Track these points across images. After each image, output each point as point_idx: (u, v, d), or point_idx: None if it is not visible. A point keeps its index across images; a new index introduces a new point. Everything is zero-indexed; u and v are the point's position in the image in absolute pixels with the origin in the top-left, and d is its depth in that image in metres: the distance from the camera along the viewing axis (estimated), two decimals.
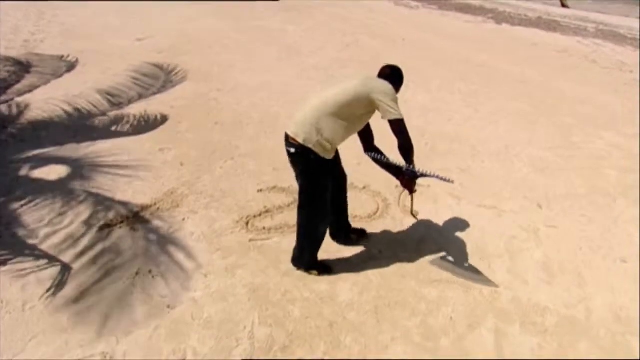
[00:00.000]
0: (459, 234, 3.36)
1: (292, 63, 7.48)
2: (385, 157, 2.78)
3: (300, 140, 2.48)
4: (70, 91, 5.76)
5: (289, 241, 3.16)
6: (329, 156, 2.57)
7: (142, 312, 2.54)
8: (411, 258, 3.08)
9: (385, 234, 3.32)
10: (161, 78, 6.39)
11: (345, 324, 2.52)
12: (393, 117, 2.48)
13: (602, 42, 10.38)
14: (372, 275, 2.90)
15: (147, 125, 4.90)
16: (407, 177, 2.67)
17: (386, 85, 2.55)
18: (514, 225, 3.50)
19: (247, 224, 3.33)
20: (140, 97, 5.71)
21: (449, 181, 2.68)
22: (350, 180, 3.97)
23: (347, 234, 3.16)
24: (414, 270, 2.97)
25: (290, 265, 2.90)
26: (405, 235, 3.31)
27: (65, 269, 2.82)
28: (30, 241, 3.05)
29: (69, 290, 2.67)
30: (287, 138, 2.57)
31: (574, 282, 2.94)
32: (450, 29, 10.90)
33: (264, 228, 3.29)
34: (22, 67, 6.55)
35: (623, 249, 3.29)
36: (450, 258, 3.03)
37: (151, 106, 5.41)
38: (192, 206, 3.52)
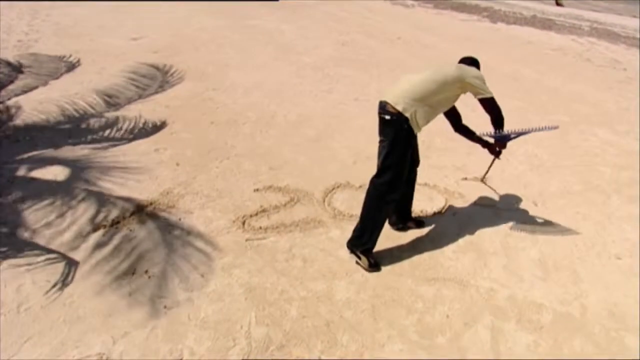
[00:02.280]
0: (454, 232, 3.37)
1: (287, 62, 7.47)
2: (474, 134, 3.24)
3: (399, 108, 2.74)
4: (65, 92, 5.72)
5: (286, 240, 3.16)
6: (417, 131, 2.86)
7: (139, 312, 2.54)
8: (407, 256, 3.09)
9: (382, 232, 3.32)
10: (158, 78, 6.36)
11: (342, 323, 2.53)
12: (487, 95, 2.85)
13: (597, 40, 10.45)
14: (368, 274, 2.90)
15: (142, 126, 4.88)
16: (499, 142, 3.12)
17: (476, 71, 2.93)
18: (510, 222, 3.52)
19: (243, 223, 3.33)
20: (138, 97, 5.68)
21: (547, 129, 3.20)
22: (347, 178, 4.00)
23: (406, 222, 3.36)
24: (410, 268, 2.98)
25: (287, 264, 2.91)
26: (401, 234, 3.32)
27: (71, 262, 2.80)
28: (26, 241, 3.04)
29: (65, 291, 2.66)
30: (385, 106, 2.81)
31: (569, 279, 2.96)
32: (446, 28, 10.92)
33: (260, 227, 3.29)
34: (16, 68, 6.50)
35: (617, 246, 3.32)
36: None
37: (147, 106, 5.39)
38: (188, 206, 3.51)
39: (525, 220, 3.56)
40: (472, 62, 3.08)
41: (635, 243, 3.35)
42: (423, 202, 3.71)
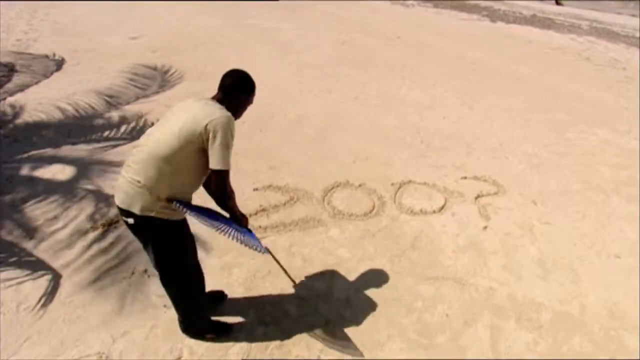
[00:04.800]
0: (454, 231, 3.37)
1: (287, 61, 7.46)
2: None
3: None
4: (64, 91, 5.71)
5: (285, 239, 3.16)
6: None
7: (138, 312, 2.54)
8: (407, 255, 3.09)
9: (381, 231, 3.33)
10: (157, 79, 6.35)
11: (341, 322, 2.53)
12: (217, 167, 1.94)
13: (596, 39, 10.45)
14: (367, 273, 2.90)
15: (142, 126, 4.87)
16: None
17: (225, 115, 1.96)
18: (509, 221, 3.52)
19: None
20: (137, 97, 5.67)
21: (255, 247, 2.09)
22: (346, 178, 4.00)
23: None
24: (410, 267, 2.98)
25: (287, 263, 2.90)
26: (401, 233, 3.32)
27: (56, 276, 2.80)
28: (25, 241, 3.03)
29: (65, 290, 2.66)
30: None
31: (568, 278, 2.96)
32: (445, 27, 10.91)
33: (260, 227, 3.29)
34: (15, 67, 6.49)
35: (616, 245, 3.32)
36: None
37: (146, 106, 5.38)
38: None
39: (524, 219, 3.56)
40: (234, 86, 2.06)
41: (634, 242, 3.36)
42: (422, 202, 3.71)
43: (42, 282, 2.70)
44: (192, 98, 2.10)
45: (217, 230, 1.99)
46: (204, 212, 2.04)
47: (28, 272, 2.77)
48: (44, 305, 2.55)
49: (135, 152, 2.00)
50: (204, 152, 1.92)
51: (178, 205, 1.93)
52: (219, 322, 2.47)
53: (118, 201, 1.98)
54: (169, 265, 2.13)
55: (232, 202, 2.10)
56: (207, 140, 1.88)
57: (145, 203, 1.91)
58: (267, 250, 2.30)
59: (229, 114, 1.94)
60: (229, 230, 2.01)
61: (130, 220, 1.97)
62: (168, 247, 2.07)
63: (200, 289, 2.35)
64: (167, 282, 2.21)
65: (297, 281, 2.75)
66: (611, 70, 8.04)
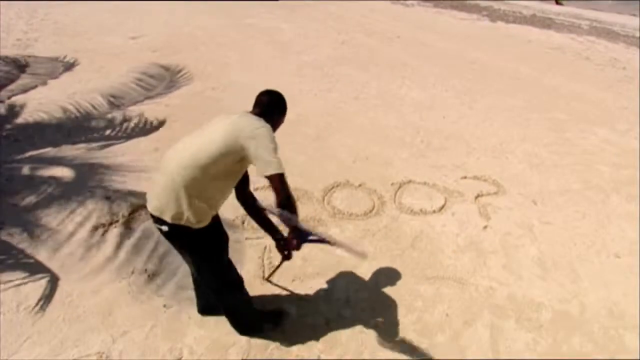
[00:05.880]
0: (454, 231, 3.37)
1: (287, 61, 7.46)
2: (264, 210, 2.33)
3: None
4: (64, 91, 5.71)
5: None
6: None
7: (138, 311, 2.54)
8: (407, 255, 3.09)
9: (381, 231, 3.33)
10: (166, 79, 6.33)
11: (342, 322, 2.53)
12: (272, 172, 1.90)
13: (596, 39, 10.44)
14: (367, 273, 2.90)
15: (142, 125, 4.87)
16: (294, 239, 2.13)
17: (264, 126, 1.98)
18: (509, 221, 3.52)
19: (242, 222, 3.33)
20: (141, 98, 5.66)
21: (356, 254, 2.19)
22: (346, 177, 4.00)
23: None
24: (410, 267, 2.98)
25: (286, 263, 2.90)
26: (401, 233, 3.32)
27: (54, 278, 2.80)
28: (24, 240, 3.03)
29: (65, 290, 2.66)
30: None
31: (568, 277, 2.96)
32: (445, 27, 10.91)
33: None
34: (16, 67, 6.48)
35: (616, 245, 3.32)
36: None
37: (147, 105, 5.38)
38: None
39: (524, 219, 3.56)
40: (270, 105, 2.08)
41: (634, 241, 3.36)
42: (422, 201, 3.71)
43: (42, 282, 2.70)
44: (227, 113, 2.07)
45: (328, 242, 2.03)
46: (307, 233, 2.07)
47: (27, 272, 2.77)
48: (44, 305, 2.55)
49: (167, 159, 1.98)
50: (240, 162, 1.91)
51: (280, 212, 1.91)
52: (270, 312, 2.50)
53: (150, 208, 1.98)
54: (207, 271, 2.13)
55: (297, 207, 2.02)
56: (249, 148, 1.84)
57: (176, 211, 1.90)
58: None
59: (268, 125, 1.94)
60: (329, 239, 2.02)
61: (165, 228, 1.97)
62: (200, 254, 2.07)
63: (242, 286, 2.31)
64: (216, 290, 2.21)
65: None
66: (611, 69, 8.04)
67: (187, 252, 2.08)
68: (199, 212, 1.93)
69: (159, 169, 2.02)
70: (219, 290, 2.21)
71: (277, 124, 2.11)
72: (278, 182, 1.84)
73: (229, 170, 1.94)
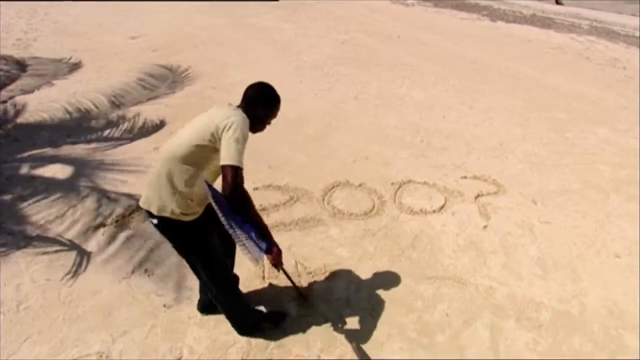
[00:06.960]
0: (453, 230, 3.37)
1: (287, 61, 7.46)
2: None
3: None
4: (64, 90, 5.71)
5: (285, 239, 3.16)
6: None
7: (138, 311, 2.54)
8: (407, 255, 3.09)
9: (381, 231, 3.33)
10: (169, 79, 6.33)
11: (342, 322, 2.53)
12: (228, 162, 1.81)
13: (596, 38, 10.44)
14: (367, 272, 2.90)
15: (142, 125, 4.87)
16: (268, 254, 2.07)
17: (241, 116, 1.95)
18: (509, 221, 3.52)
19: None
20: (143, 98, 5.66)
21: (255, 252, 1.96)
22: (346, 177, 4.00)
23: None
24: (410, 267, 2.98)
25: (286, 263, 2.90)
26: (401, 232, 3.32)
27: (55, 275, 2.80)
28: (25, 240, 3.03)
29: (64, 289, 2.66)
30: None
31: (568, 277, 2.96)
32: (446, 26, 10.91)
33: None
34: (17, 67, 6.48)
35: (616, 244, 3.32)
36: None
37: (147, 105, 5.38)
38: None
39: (524, 218, 3.56)
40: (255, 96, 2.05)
41: (634, 241, 3.36)
42: (422, 201, 3.71)
43: (42, 282, 2.70)
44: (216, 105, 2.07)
45: (227, 226, 1.84)
46: (227, 207, 1.88)
47: (27, 270, 2.77)
48: (44, 304, 2.55)
49: (159, 153, 2.04)
50: (216, 153, 1.89)
51: (206, 185, 1.85)
52: (270, 312, 2.52)
53: (141, 202, 2.04)
54: (194, 265, 2.16)
55: (251, 209, 1.94)
56: (220, 138, 1.84)
57: (161, 203, 1.96)
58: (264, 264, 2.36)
59: (244, 115, 1.92)
60: (236, 232, 1.87)
61: (154, 221, 2.02)
62: (187, 248, 2.12)
63: (234, 286, 2.35)
64: (208, 286, 2.24)
65: (306, 297, 2.66)
66: (611, 69, 8.04)
67: (174, 244, 2.13)
68: (182, 204, 1.96)
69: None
70: (209, 287, 2.23)
71: (263, 118, 2.08)
72: (229, 172, 1.77)
73: (205, 162, 1.94)
